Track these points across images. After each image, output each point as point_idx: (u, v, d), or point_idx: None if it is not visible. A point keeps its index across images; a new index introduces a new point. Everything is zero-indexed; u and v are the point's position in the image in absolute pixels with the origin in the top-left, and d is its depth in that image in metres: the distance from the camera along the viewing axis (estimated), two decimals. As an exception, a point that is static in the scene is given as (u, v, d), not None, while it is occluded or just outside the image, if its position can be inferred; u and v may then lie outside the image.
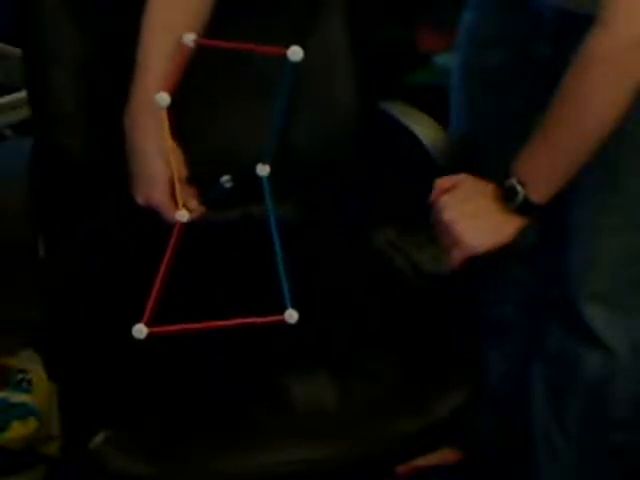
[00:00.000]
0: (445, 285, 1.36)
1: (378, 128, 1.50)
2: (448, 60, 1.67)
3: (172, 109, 1.15)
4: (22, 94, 1.72)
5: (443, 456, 1.65)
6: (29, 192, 1.35)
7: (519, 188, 1.14)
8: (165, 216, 1.20)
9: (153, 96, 1.15)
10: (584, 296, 1.32)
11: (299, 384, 1.20)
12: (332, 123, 1.47)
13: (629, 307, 1.32)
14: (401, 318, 1.32)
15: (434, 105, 1.48)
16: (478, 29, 1.41)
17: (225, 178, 1.19)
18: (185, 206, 1.18)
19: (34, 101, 1.38)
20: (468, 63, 1.45)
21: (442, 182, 1.22)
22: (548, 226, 1.23)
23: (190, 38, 1.20)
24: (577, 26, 1.09)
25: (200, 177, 1.21)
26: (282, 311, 1.12)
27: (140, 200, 1.22)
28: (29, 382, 1.68)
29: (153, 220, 1.20)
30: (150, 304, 1.11)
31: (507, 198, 1.16)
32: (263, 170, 1.19)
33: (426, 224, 1.22)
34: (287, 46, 1.08)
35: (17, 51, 1.54)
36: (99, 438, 1.13)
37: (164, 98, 1.15)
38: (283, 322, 1.11)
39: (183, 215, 1.18)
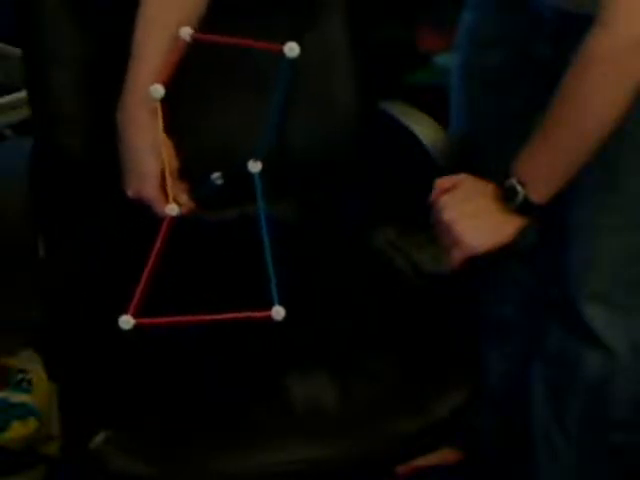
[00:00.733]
0: (445, 285, 1.36)
1: (378, 128, 1.50)
2: (448, 60, 1.67)
3: (166, 102, 1.15)
4: (22, 94, 1.72)
5: (443, 456, 1.65)
6: (29, 192, 1.35)
7: (519, 188, 1.14)
8: (155, 210, 1.20)
9: (147, 89, 1.15)
10: (584, 296, 1.32)
11: (299, 384, 1.20)
12: (332, 123, 1.47)
13: (629, 307, 1.32)
14: (401, 318, 1.32)
15: (434, 105, 1.48)
16: (478, 29, 1.41)
17: (216, 175, 1.20)
18: (175, 200, 1.19)
19: (34, 101, 1.38)
20: (468, 63, 1.45)
21: (442, 182, 1.22)
22: (548, 226, 1.23)
23: (187, 32, 1.20)
24: (577, 26, 1.09)
25: (194, 173, 1.22)
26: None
27: (131, 193, 1.23)
28: (29, 382, 1.68)
29: (151, 219, 1.20)
30: (137, 295, 1.11)
31: (507, 198, 1.16)
32: (255, 167, 1.20)
33: (426, 224, 1.22)
34: (284, 43, 1.08)
35: (17, 51, 1.54)
36: (99, 438, 1.13)
37: (158, 90, 1.15)
38: (270, 318, 1.11)
39: (173, 209, 1.19)
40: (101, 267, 1.33)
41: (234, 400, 1.18)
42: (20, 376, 1.69)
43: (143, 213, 1.22)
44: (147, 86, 1.16)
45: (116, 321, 1.10)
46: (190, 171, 1.22)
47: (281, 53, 1.11)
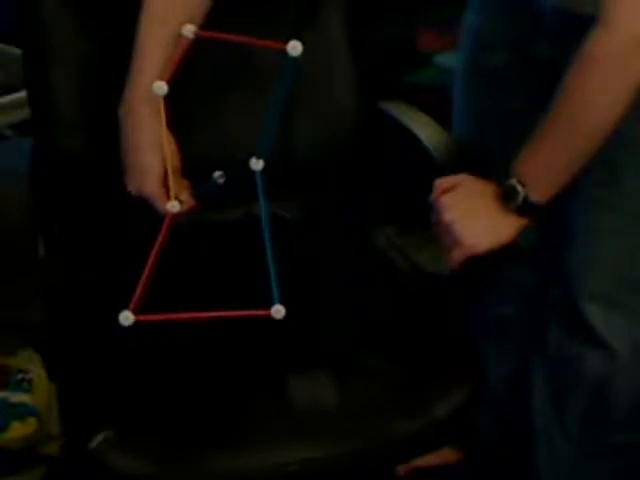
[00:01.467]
0: (445, 285, 1.36)
1: (378, 128, 1.50)
2: (448, 60, 1.67)
3: (168, 100, 1.15)
4: (22, 94, 1.72)
5: (443, 456, 1.65)
6: (29, 192, 1.35)
7: (519, 188, 1.15)
8: (156, 207, 1.20)
9: (149, 86, 1.15)
10: (584, 296, 1.32)
11: (299, 384, 1.20)
12: (332, 123, 1.47)
13: (630, 307, 1.32)
14: (401, 318, 1.32)
15: (434, 105, 1.48)
16: (480, 31, 1.41)
17: (218, 174, 1.20)
18: (177, 197, 1.19)
19: (34, 101, 1.38)
20: (471, 64, 1.45)
21: (442, 182, 1.22)
22: (548, 226, 1.23)
23: (190, 30, 1.20)
24: (577, 26, 1.09)
25: (196, 171, 1.22)
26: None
27: (132, 190, 1.23)
28: (29, 382, 1.68)
29: (152, 218, 1.20)
30: (138, 292, 1.11)
31: (507, 198, 1.16)
32: (257, 164, 1.20)
33: (426, 224, 1.22)
34: (286, 41, 1.08)
35: (17, 51, 1.54)
36: (99, 438, 1.13)
37: (162, 87, 1.14)
38: (269, 317, 1.11)
39: (174, 206, 1.19)
40: (101, 266, 1.33)
41: (234, 400, 1.18)
42: (20, 376, 1.69)
43: (143, 212, 1.22)
44: (149, 83, 1.15)
45: (116, 321, 1.09)
46: (192, 169, 1.22)
47: (284, 52, 1.11)
